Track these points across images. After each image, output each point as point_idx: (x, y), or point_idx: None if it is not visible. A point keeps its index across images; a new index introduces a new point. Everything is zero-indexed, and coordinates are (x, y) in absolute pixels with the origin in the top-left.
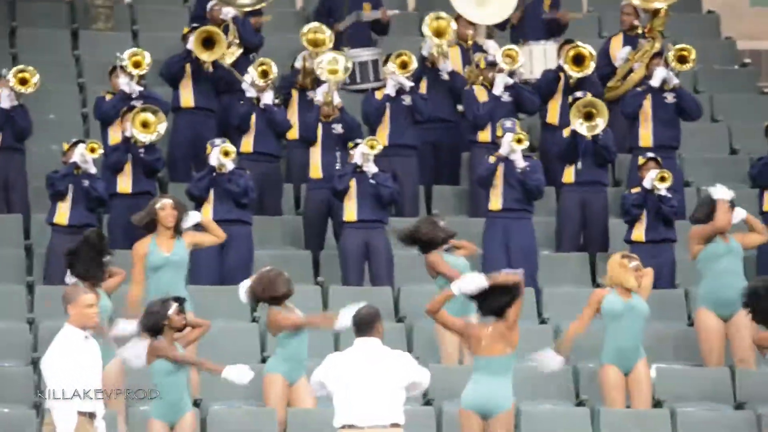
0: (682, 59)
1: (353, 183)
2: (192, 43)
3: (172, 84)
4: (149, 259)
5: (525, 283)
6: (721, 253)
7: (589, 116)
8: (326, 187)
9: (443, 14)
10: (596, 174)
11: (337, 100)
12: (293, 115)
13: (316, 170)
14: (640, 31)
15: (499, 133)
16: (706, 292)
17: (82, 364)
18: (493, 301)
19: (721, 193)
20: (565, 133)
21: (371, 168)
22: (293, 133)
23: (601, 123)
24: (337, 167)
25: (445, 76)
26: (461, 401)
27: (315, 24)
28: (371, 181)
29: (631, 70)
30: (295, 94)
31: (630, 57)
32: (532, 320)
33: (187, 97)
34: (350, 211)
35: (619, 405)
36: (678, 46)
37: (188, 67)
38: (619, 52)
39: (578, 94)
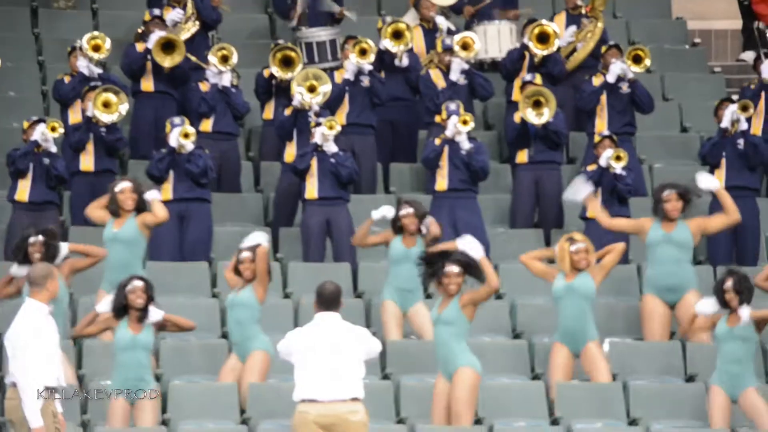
0: (636, 59)
1: (314, 162)
2: (152, 47)
3: (134, 79)
4: (103, 233)
5: None
6: (659, 241)
7: (537, 104)
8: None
9: (399, 19)
10: (549, 155)
11: (316, 107)
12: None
13: (290, 156)
14: (583, 11)
15: (443, 115)
16: (648, 278)
17: (50, 339)
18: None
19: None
20: (516, 118)
21: (331, 147)
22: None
23: (547, 112)
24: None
25: (404, 63)
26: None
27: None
28: (331, 160)
29: (574, 50)
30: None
31: (575, 37)
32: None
33: (147, 84)
34: (311, 188)
35: (560, 378)
36: (634, 47)
37: (149, 65)
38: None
39: (527, 77)
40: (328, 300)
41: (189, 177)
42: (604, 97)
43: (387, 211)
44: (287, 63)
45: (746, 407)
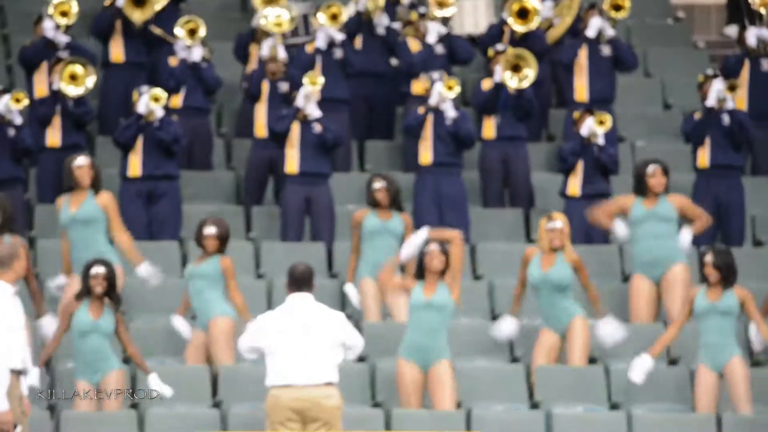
0: (617, 7)
1: (295, 129)
2: (123, 2)
3: (102, 40)
4: (60, 217)
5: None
6: (643, 218)
7: (516, 68)
8: (272, 147)
9: None
10: (516, 128)
11: (282, 54)
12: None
13: (261, 129)
14: None
15: (427, 85)
16: (634, 256)
17: (15, 321)
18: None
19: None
20: (485, 85)
21: (313, 111)
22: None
23: (531, 73)
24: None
25: (381, 31)
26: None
27: None
28: (314, 126)
29: (551, 25)
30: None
31: (554, 12)
32: (466, 276)
33: (117, 52)
34: (292, 161)
35: (542, 362)
36: None
37: (118, 24)
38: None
39: (499, 47)
40: (298, 280)
41: (159, 146)
42: (584, 60)
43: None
44: (139, 1)
45: (729, 377)
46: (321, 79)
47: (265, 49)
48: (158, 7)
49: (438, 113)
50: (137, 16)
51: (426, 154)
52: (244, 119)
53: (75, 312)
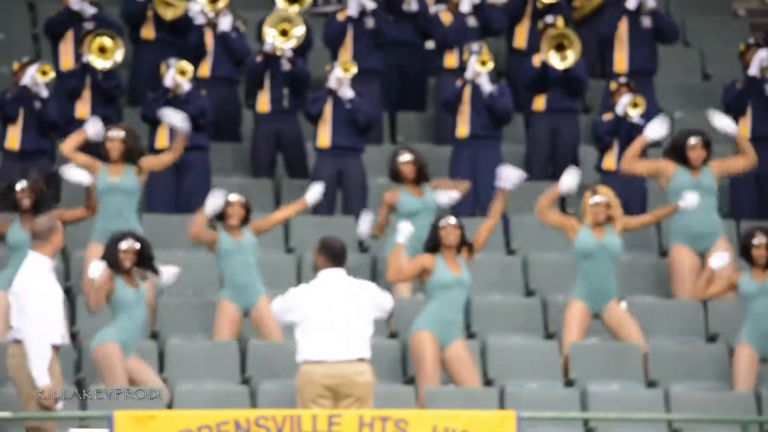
0: None
1: (328, 108)
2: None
3: (133, 27)
4: (97, 184)
5: None
6: (688, 186)
7: (560, 47)
8: (277, 120)
9: None
10: (567, 102)
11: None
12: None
13: (263, 104)
14: None
15: (465, 56)
16: (677, 228)
17: (56, 296)
18: None
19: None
20: (535, 62)
21: (347, 92)
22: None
23: (572, 55)
24: (284, 103)
25: (414, 6)
26: None
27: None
28: (347, 106)
29: None
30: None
31: None
32: (499, 251)
33: (148, 30)
34: (324, 136)
35: (576, 337)
36: None
37: (149, 14)
38: None
39: (548, 19)
40: (335, 255)
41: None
42: (624, 32)
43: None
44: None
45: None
46: (354, 69)
47: (267, 46)
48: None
49: (475, 86)
50: (169, 15)
51: (463, 127)
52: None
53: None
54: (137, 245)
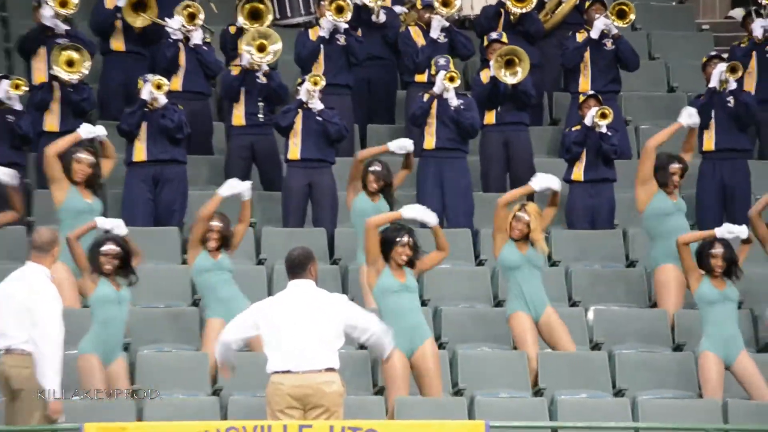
0: (621, 14)
1: (299, 120)
2: (123, 5)
3: (103, 37)
4: (67, 204)
5: (462, 223)
6: (669, 212)
7: (510, 63)
8: (252, 134)
9: None
10: (517, 115)
11: (264, 68)
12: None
13: (238, 118)
14: None
15: (433, 71)
16: (661, 248)
17: (58, 308)
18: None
19: None
20: (484, 78)
21: (317, 104)
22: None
23: (521, 71)
24: (259, 116)
25: (382, 18)
26: None
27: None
28: (318, 118)
29: (560, 3)
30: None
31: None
32: (468, 262)
33: (118, 42)
34: (294, 148)
35: (530, 350)
36: (618, 1)
37: (118, 23)
38: None
39: (493, 35)
40: (292, 265)
41: (163, 133)
42: (587, 54)
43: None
44: (255, 16)
45: (740, 372)
46: (323, 82)
47: (245, 60)
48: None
49: (443, 99)
50: (138, 23)
51: (429, 140)
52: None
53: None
54: (118, 248)
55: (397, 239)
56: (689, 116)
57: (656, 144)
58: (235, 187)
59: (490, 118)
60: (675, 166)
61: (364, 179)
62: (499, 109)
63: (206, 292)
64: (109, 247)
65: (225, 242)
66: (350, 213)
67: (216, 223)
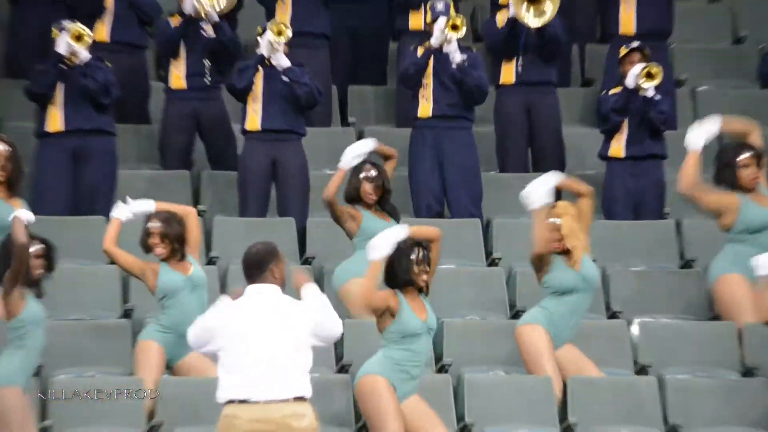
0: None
1: (259, 80)
2: None
3: None
4: None
5: (468, 211)
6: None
7: (535, 0)
8: (195, 98)
9: None
10: (543, 71)
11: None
12: None
13: (177, 79)
14: None
15: (427, 18)
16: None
17: None
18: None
19: None
20: (499, 21)
21: (282, 61)
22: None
23: (549, 9)
24: (205, 79)
25: None
26: None
27: None
28: (283, 78)
29: None
30: None
31: None
32: (477, 261)
33: None
34: (253, 117)
35: (549, 371)
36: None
37: None
38: None
39: None
40: (248, 265)
41: (85, 97)
42: None
43: None
44: None
45: None
46: (289, 33)
47: (188, 6)
48: None
49: (442, 54)
50: None
51: (425, 106)
52: None
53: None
54: (43, 246)
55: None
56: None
57: (690, 183)
58: (134, 207)
59: (508, 75)
60: (746, 157)
61: (358, 192)
62: (520, 62)
63: (166, 313)
64: (35, 248)
65: (177, 245)
66: (354, 241)
67: (154, 225)
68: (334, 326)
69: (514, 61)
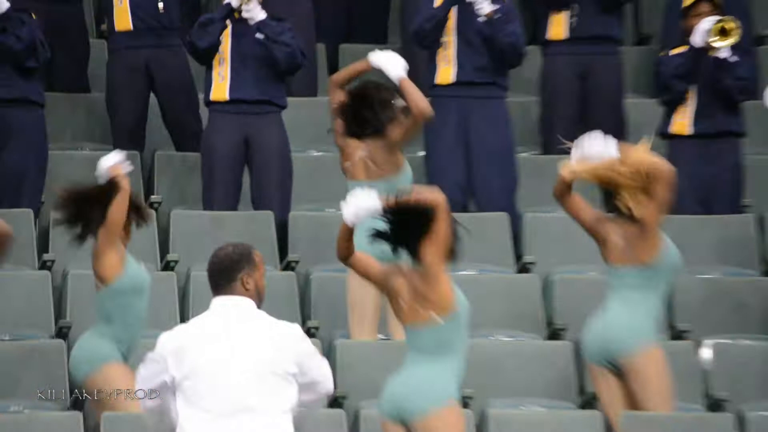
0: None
1: (227, 38)
2: None
3: None
4: None
5: (498, 203)
6: None
7: None
8: (145, 46)
9: None
10: (601, 25)
11: None
12: None
13: (123, 18)
14: None
15: None
16: None
17: None
18: (403, 235)
19: None
20: None
21: (256, 13)
22: None
23: None
24: (158, 4)
25: None
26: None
27: None
28: (258, 35)
29: None
30: None
31: None
32: (506, 266)
33: None
34: (220, 84)
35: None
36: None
37: None
38: None
39: None
40: (218, 273)
41: (5, 59)
42: None
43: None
44: None
45: None
46: None
47: None
48: None
49: (466, 4)
50: None
51: (446, 69)
52: None
53: None
54: None
55: None
56: None
57: None
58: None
59: (556, 30)
60: None
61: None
62: (572, 13)
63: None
64: None
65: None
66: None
67: None
68: (326, 380)
69: (565, 12)
